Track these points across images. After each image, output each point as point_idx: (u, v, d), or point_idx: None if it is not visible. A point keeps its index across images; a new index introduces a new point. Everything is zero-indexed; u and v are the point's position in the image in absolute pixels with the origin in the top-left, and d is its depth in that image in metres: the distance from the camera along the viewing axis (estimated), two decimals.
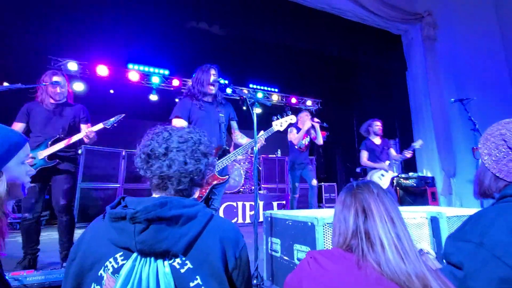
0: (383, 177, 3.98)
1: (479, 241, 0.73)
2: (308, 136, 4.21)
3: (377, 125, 4.15)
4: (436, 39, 6.22)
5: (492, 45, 5.96)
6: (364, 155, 4.09)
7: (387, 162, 3.97)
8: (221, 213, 5.06)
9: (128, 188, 5.60)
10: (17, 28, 4.89)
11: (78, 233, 3.83)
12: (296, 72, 7.83)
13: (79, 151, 2.80)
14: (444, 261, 0.87)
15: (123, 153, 5.75)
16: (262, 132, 2.45)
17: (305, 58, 6.83)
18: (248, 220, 5.27)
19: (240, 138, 2.59)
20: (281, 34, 5.48)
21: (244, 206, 5.33)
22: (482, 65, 5.86)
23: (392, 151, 4.16)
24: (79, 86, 5.99)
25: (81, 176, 5.04)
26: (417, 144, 3.90)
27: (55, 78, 2.39)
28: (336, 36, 5.99)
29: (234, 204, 5.29)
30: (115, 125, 2.64)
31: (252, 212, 5.28)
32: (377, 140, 4.14)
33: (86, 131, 2.45)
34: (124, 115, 2.68)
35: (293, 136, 4.13)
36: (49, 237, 3.82)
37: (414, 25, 6.36)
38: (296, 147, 4.09)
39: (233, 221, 5.07)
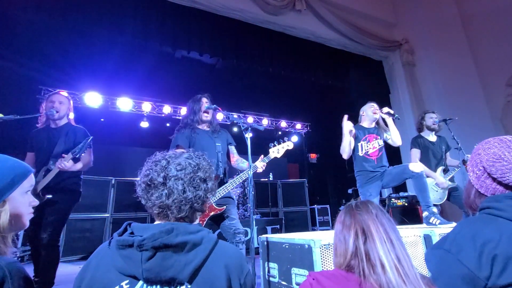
0: (438, 187, 3.20)
1: (448, 248, 0.81)
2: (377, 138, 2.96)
3: (432, 117, 3.38)
4: (414, 64, 6.63)
5: (466, 67, 6.35)
6: (416, 154, 3.29)
7: (439, 169, 3.25)
8: None
9: (117, 218, 5.42)
10: (9, 59, 4.94)
11: (65, 269, 3.64)
12: (285, 97, 8.07)
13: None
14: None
15: (113, 182, 5.62)
16: (261, 159, 2.46)
17: (293, 84, 7.09)
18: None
19: (240, 162, 2.59)
20: (269, 62, 5.72)
21: None
22: (459, 86, 6.20)
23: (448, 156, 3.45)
24: (69, 115, 5.98)
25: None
26: None
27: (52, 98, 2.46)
28: (321, 62, 6.30)
29: None
30: (85, 151, 2.33)
31: (247, 238, 5.17)
32: (431, 137, 3.41)
33: (59, 166, 2.23)
34: (92, 137, 2.41)
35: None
36: None
37: (393, 51, 6.79)
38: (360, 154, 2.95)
39: None
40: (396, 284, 0.72)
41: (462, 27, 6.56)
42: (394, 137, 2.85)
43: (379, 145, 2.90)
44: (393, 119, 2.87)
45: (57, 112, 2.45)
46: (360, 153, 2.90)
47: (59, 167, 2.21)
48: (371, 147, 2.89)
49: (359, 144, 2.91)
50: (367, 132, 2.95)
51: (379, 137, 2.92)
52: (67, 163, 2.23)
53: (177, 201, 0.83)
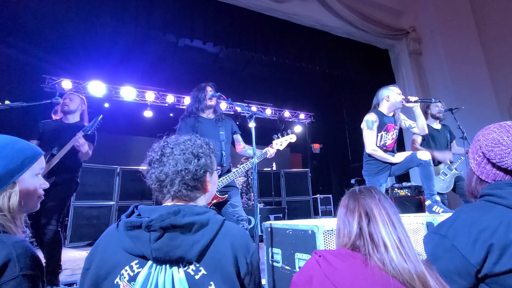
0: (445, 176, 3.21)
1: (445, 233, 0.82)
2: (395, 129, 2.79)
3: (438, 105, 3.34)
4: (421, 53, 6.51)
5: (474, 55, 6.23)
6: (417, 139, 3.24)
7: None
8: None
9: (122, 205, 5.52)
10: (13, 47, 4.94)
11: (72, 254, 3.73)
12: (289, 87, 8.01)
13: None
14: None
15: (118, 170, 5.69)
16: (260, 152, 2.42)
17: (297, 73, 7.02)
18: None
19: (248, 149, 2.55)
20: (273, 51, 5.65)
21: None
22: (466, 75, 6.10)
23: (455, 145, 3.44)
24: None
25: (74, 194, 4.96)
26: None
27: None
28: (326, 51, 6.21)
29: None
30: (96, 128, 2.50)
31: (251, 226, 5.25)
32: (436, 125, 3.39)
33: (76, 142, 2.35)
34: (101, 115, 2.54)
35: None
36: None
37: (400, 40, 6.66)
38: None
39: None
40: (398, 262, 0.76)
41: (471, 14, 6.39)
42: (422, 126, 2.73)
43: (396, 136, 2.76)
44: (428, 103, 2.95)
45: (63, 99, 2.54)
46: (378, 144, 2.68)
47: (76, 143, 2.33)
48: (390, 138, 2.71)
49: (379, 135, 2.69)
50: (387, 121, 2.71)
51: (397, 127, 2.77)
52: (81, 140, 2.36)
53: (170, 174, 0.86)
